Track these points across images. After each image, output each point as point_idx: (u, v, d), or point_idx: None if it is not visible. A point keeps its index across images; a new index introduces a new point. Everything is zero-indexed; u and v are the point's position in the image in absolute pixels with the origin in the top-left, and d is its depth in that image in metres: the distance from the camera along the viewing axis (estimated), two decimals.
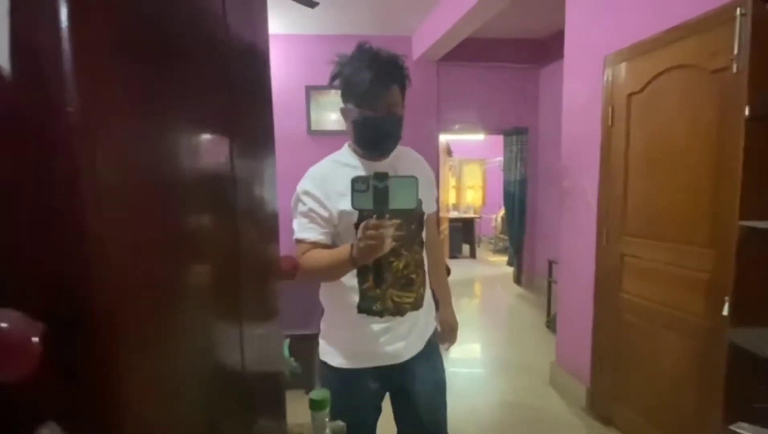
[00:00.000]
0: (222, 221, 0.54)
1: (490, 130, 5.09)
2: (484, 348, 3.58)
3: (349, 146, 1.21)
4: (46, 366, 0.29)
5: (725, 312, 1.38)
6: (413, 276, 1.20)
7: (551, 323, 3.61)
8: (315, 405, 0.75)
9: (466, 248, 7.60)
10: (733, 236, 1.35)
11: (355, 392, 1.18)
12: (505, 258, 6.54)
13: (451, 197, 8.13)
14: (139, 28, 0.38)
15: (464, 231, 7.53)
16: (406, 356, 1.21)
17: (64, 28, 0.28)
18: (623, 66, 2.13)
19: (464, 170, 8.95)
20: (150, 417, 0.38)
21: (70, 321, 0.30)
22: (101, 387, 0.32)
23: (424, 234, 1.26)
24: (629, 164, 2.11)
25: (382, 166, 1.15)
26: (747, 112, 1.23)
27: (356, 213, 1.09)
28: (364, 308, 1.16)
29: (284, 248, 0.84)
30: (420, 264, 1.23)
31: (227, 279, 0.55)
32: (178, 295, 0.43)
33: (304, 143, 4.25)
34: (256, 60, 0.68)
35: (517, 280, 5.38)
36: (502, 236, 7.53)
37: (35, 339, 0.29)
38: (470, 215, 8.02)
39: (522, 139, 4.90)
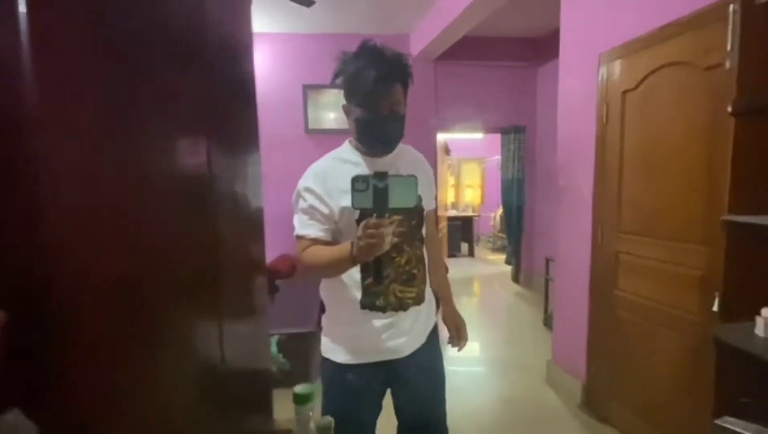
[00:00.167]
0: (197, 218, 0.54)
1: (488, 128, 5.08)
2: (482, 346, 3.58)
3: (351, 142, 1.22)
4: (9, 354, 0.30)
5: (715, 308, 1.38)
6: (415, 271, 1.21)
7: (548, 321, 3.62)
8: (299, 399, 0.75)
9: (464, 246, 7.62)
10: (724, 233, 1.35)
11: (358, 388, 1.19)
12: (503, 256, 6.52)
13: (449, 196, 8.13)
14: (106, 23, 0.38)
15: (463, 230, 7.55)
16: (408, 350, 1.22)
17: (23, 23, 0.28)
18: (618, 63, 2.12)
19: (463, 168, 8.96)
20: (115, 404, 0.38)
21: (32, 309, 0.30)
22: (64, 374, 0.32)
23: (424, 230, 1.27)
24: (624, 161, 2.11)
25: (383, 163, 1.16)
26: (729, 108, 1.23)
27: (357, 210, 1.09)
28: (366, 304, 1.16)
29: (285, 246, 0.85)
30: (421, 260, 1.24)
31: (204, 276, 0.55)
32: (146, 288, 0.43)
33: (301, 142, 4.25)
34: (238, 59, 0.68)
35: (516, 278, 5.38)
36: (500, 234, 7.52)
37: None
38: (469, 213, 8.03)
39: (519, 137, 4.89)
